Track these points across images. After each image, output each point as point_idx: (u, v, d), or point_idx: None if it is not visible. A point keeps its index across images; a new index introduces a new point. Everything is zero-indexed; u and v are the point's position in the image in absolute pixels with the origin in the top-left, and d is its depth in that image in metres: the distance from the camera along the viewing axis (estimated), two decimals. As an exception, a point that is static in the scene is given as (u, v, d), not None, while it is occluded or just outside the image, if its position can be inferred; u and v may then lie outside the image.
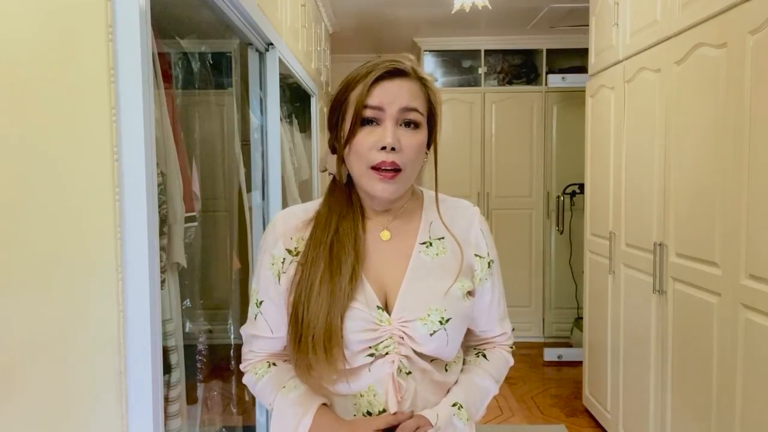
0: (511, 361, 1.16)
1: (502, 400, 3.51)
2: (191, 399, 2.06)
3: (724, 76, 1.85)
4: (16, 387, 1.03)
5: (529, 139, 4.57)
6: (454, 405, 1.01)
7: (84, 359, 1.07)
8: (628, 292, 2.65)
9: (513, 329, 1.18)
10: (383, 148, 0.95)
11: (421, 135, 0.99)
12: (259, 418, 2.30)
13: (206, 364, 2.19)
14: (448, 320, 0.99)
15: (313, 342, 0.95)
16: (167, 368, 1.68)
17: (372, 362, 0.98)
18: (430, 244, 1.05)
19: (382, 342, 0.98)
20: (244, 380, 1.11)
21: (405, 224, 1.06)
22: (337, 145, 1.02)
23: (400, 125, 0.98)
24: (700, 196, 2.01)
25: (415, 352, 0.99)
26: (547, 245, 4.62)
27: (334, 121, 1.02)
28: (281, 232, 1.05)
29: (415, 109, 0.98)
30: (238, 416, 2.45)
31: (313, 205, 1.08)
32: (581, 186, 3.94)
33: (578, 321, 4.29)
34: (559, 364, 4.14)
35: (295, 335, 0.98)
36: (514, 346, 1.17)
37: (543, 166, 4.58)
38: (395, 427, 0.95)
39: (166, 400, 1.68)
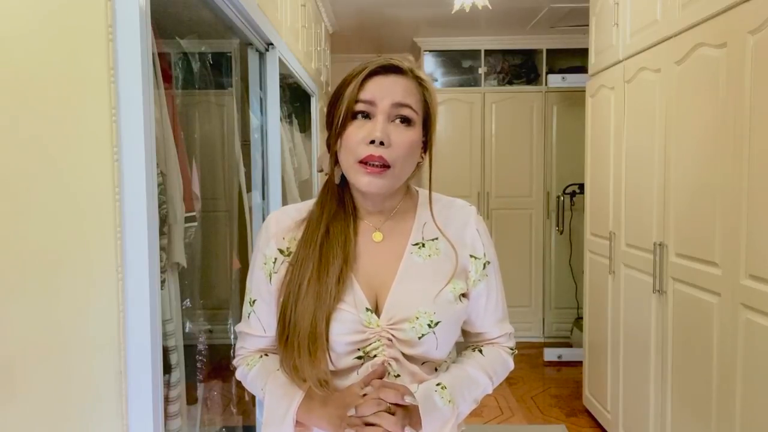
0: (511, 365, 1.12)
1: (502, 400, 3.51)
2: (191, 399, 2.05)
3: (724, 76, 1.85)
4: (17, 387, 1.03)
5: (529, 139, 4.57)
6: (438, 385, 0.98)
7: (84, 359, 1.07)
8: (628, 292, 2.65)
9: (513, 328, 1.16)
10: (372, 142, 0.94)
11: (413, 132, 0.98)
12: (259, 418, 2.30)
13: (206, 364, 2.19)
14: (437, 323, 0.97)
15: (298, 343, 0.94)
16: (167, 368, 1.68)
17: (360, 365, 0.97)
18: (423, 245, 1.03)
19: (370, 344, 0.97)
20: (237, 374, 1.11)
21: (398, 225, 1.05)
22: (331, 142, 1.01)
23: (393, 121, 0.96)
24: (700, 195, 2.01)
25: (404, 355, 0.98)
26: (547, 245, 4.62)
27: (330, 120, 1.01)
28: (273, 232, 1.04)
29: (408, 105, 0.97)
30: (238, 416, 2.45)
31: (307, 206, 1.07)
32: (581, 186, 3.94)
33: (578, 321, 4.29)
34: (559, 364, 4.14)
35: (282, 335, 0.98)
36: (515, 350, 1.14)
37: (543, 166, 4.57)
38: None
39: (166, 400, 1.68)
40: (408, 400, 0.92)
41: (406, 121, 0.97)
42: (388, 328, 0.97)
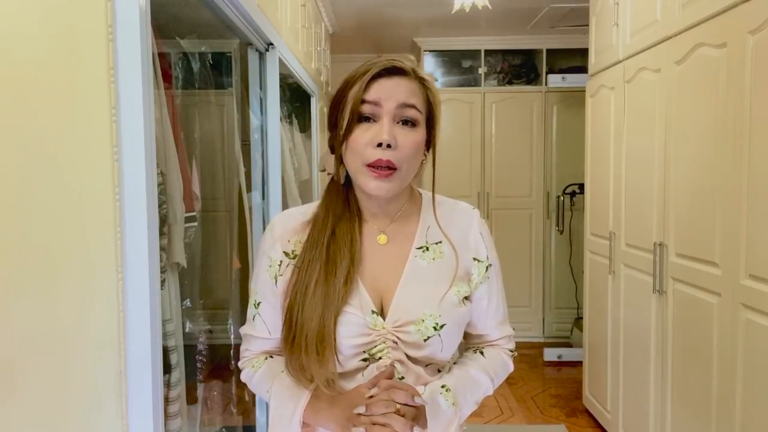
0: (511, 367, 1.13)
1: (502, 400, 3.51)
2: (191, 399, 2.05)
3: (724, 76, 1.85)
4: (17, 387, 1.03)
5: (529, 139, 4.57)
6: (442, 387, 0.99)
7: (84, 359, 1.07)
8: (628, 292, 2.65)
9: (513, 329, 1.16)
10: (379, 145, 0.94)
11: (419, 133, 0.98)
12: (259, 418, 2.30)
13: (206, 364, 2.19)
14: (442, 326, 0.98)
15: (305, 343, 0.95)
16: (167, 368, 1.68)
17: (365, 367, 0.98)
18: (427, 248, 1.04)
19: (375, 346, 0.97)
20: (242, 376, 1.11)
21: (402, 228, 1.05)
22: (336, 144, 1.01)
23: (398, 123, 0.97)
24: (700, 196, 2.01)
25: (408, 357, 0.99)
26: (547, 245, 4.62)
27: (333, 120, 1.01)
28: (279, 234, 1.04)
29: (413, 106, 0.97)
30: (238, 416, 2.45)
31: (311, 208, 1.07)
32: (581, 186, 3.94)
33: (578, 321, 4.29)
34: (559, 364, 4.14)
35: (288, 335, 0.98)
36: (515, 352, 1.15)
37: (543, 166, 4.58)
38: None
39: (166, 400, 1.68)
40: (417, 401, 0.93)
41: (411, 122, 0.97)
42: (393, 330, 0.97)
